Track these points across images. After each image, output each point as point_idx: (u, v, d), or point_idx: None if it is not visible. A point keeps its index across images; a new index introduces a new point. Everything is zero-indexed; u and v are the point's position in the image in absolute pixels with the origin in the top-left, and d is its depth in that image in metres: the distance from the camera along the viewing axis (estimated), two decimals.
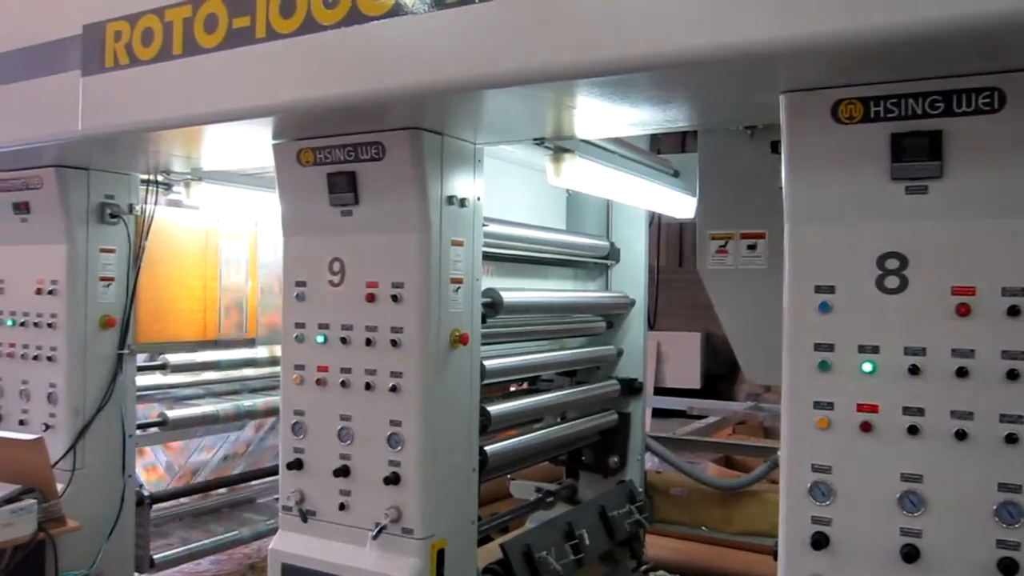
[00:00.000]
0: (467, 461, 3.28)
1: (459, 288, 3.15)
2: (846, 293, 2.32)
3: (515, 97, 2.63)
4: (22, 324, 4.10)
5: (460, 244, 3.16)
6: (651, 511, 4.93)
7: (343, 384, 3.12)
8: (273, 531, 4.95)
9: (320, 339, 3.18)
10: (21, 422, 4.10)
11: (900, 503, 2.23)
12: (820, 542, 2.31)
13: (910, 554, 2.21)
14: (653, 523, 4.96)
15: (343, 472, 3.11)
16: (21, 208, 4.08)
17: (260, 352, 5.04)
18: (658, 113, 2.80)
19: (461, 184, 3.16)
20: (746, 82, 2.42)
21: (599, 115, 2.84)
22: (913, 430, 2.23)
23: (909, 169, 2.23)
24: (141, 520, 4.33)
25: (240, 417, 4.91)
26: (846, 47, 1.98)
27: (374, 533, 3.01)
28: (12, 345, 4.14)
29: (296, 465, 3.23)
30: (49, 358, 4.00)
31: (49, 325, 4.00)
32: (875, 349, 2.28)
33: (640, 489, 4.77)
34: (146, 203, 4.22)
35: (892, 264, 2.27)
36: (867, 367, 2.28)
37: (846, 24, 1.91)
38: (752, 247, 3.32)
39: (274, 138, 3.23)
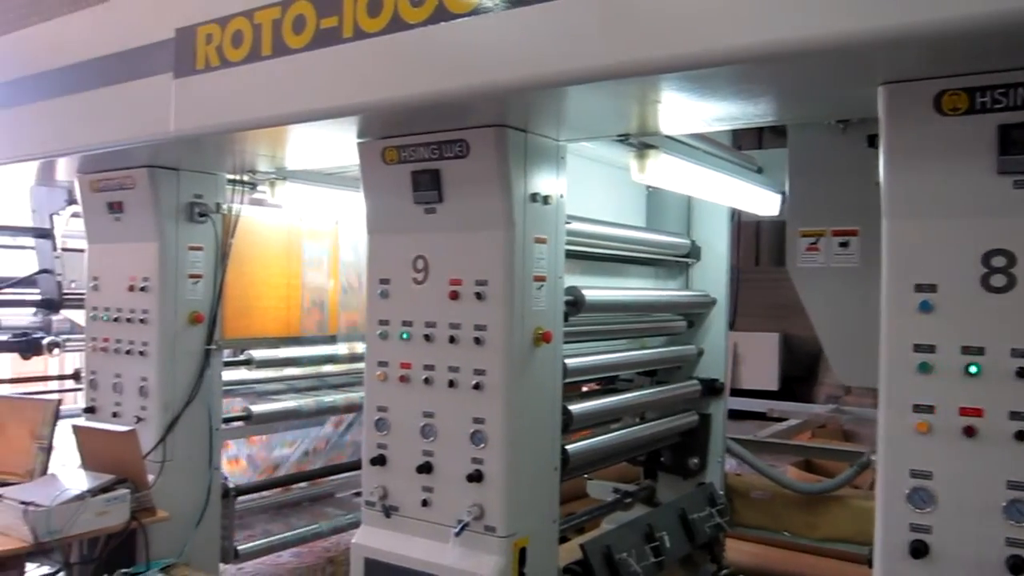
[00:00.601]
0: (549, 460, 3.26)
1: (542, 286, 3.14)
2: (949, 292, 2.24)
3: (599, 93, 2.60)
4: (115, 319, 4.23)
5: (543, 242, 3.14)
6: (731, 515, 4.83)
7: (426, 381, 3.14)
8: (352, 526, 5.07)
9: (404, 336, 3.20)
10: (114, 414, 4.23)
11: (1006, 512, 2.14)
12: (920, 550, 2.23)
13: (1017, 566, 2.12)
14: (733, 527, 4.87)
15: (426, 468, 3.13)
16: (115, 208, 4.21)
17: (340, 349, 5.10)
18: (748, 107, 2.74)
19: (544, 181, 3.15)
20: (841, 75, 2.35)
21: (685, 110, 2.79)
22: (1021, 436, 2.13)
23: (1018, 162, 2.13)
24: (226, 512, 4.43)
25: (321, 413, 4.98)
26: (952, 36, 1.90)
27: (457, 530, 3.01)
28: (106, 340, 4.28)
29: (379, 461, 3.25)
30: (141, 352, 4.12)
31: (141, 321, 4.12)
32: (980, 351, 2.19)
33: (720, 492, 4.68)
34: (232, 202, 4.32)
35: (999, 262, 2.18)
36: (972, 369, 2.19)
37: (952, 11, 1.84)
38: (844, 244, 3.22)
39: (359, 137, 3.26)
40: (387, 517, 3.23)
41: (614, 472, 4.99)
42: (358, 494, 5.49)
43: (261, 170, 4.29)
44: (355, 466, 5.46)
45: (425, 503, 3.14)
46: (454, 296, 3.08)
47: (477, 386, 3.01)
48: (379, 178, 3.26)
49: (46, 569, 4.28)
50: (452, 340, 3.07)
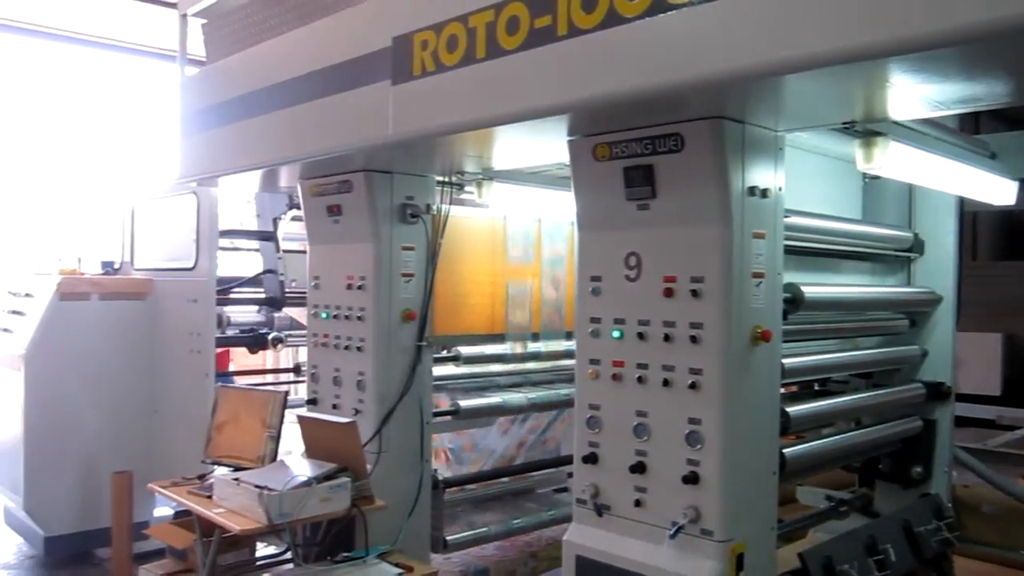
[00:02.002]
0: (767, 463, 3.14)
1: (760, 283, 3.02)
2: None
3: (823, 80, 2.47)
4: (335, 316, 4.48)
5: (762, 236, 3.02)
6: (960, 529, 4.47)
7: (639, 380, 3.10)
8: (554, 521, 5.12)
9: (616, 334, 3.17)
10: (334, 406, 4.48)
11: None
12: None
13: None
14: (962, 543, 4.50)
15: (639, 468, 3.08)
16: (334, 211, 4.45)
17: (543, 346, 5.16)
18: (992, 87, 2.51)
19: (762, 174, 3.03)
20: None
21: (919, 94, 2.59)
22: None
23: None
24: (436, 503, 4.58)
25: (524, 409, 5.06)
26: None
27: (671, 532, 2.95)
28: (326, 336, 4.53)
29: (591, 459, 3.24)
30: (358, 348, 4.34)
31: (358, 318, 4.33)
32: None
33: (948, 504, 4.34)
34: (441, 203, 4.45)
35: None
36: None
37: None
38: None
39: (569, 134, 3.27)
40: (599, 516, 3.22)
41: (826, 478, 4.75)
42: (559, 490, 5.56)
43: (468, 171, 4.39)
44: (556, 462, 5.53)
45: (638, 503, 3.10)
46: (668, 293, 3.01)
47: (693, 385, 2.94)
48: (590, 175, 3.24)
49: (272, 549, 4.60)
50: (667, 338, 3.01)
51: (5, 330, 6.06)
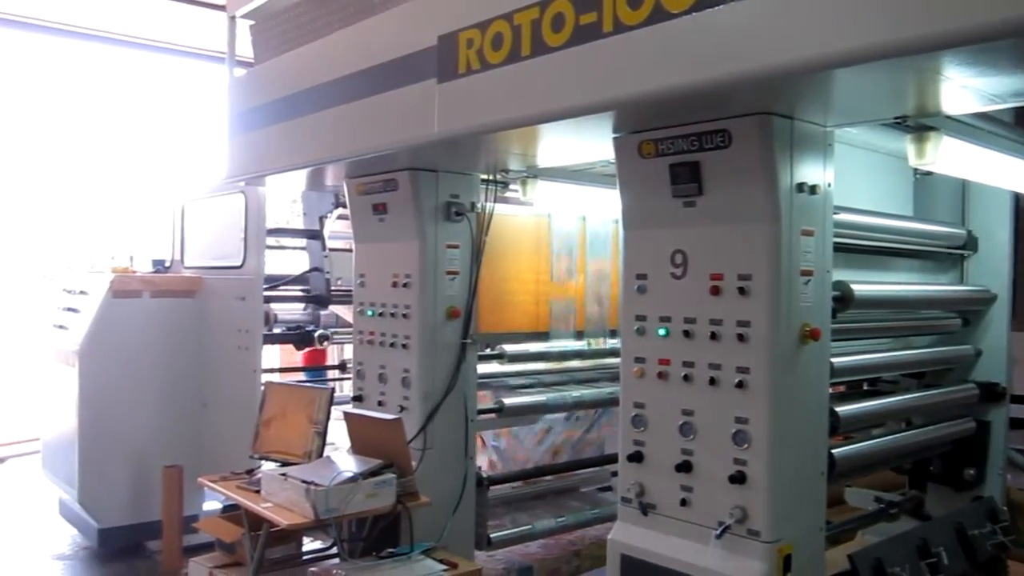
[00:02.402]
0: (815, 464, 3.10)
1: (809, 280, 2.98)
2: None
3: (875, 74, 2.43)
4: (380, 314, 4.51)
5: (810, 234, 2.98)
6: (1015, 533, 4.37)
7: (685, 378, 3.08)
8: (597, 520, 5.11)
9: (662, 332, 3.15)
10: (380, 403, 4.52)
11: None
12: None
13: None
14: (1018, 547, 4.39)
15: (685, 467, 3.07)
16: (379, 209, 4.49)
17: (587, 344, 5.14)
18: None
19: (811, 170, 2.99)
20: None
21: (973, 87, 2.53)
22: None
23: None
24: (480, 500, 4.59)
25: (567, 407, 5.05)
26: None
27: (718, 532, 2.93)
28: (372, 333, 4.57)
29: (636, 458, 3.23)
30: (404, 345, 4.37)
31: (404, 315, 4.36)
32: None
33: (1003, 507, 4.24)
34: (486, 200, 4.46)
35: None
36: None
37: None
38: None
39: (614, 132, 3.25)
40: (644, 514, 3.20)
41: (874, 480, 4.67)
42: (603, 489, 5.54)
43: (512, 168, 4.39)
44: (600, 461, 5.51)
45: (684, 502, 3.08)
46: (715, 291, 2.99)
47: (740, 384, 2.91)
48: (635, 172, 3.23)
49: (317, 544, 4.65)
50: (713, 336, 2.99)
51: (60, 327, 6.21)
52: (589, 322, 5.07)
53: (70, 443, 5.78)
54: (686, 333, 3.07)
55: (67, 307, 6.25)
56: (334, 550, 4.26)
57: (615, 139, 3.27)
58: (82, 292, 6.16)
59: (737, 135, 2.90)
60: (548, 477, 5.41)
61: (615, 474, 5.48)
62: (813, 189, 2.97)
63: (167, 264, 6.50)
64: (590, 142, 3.55)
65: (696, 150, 3.01)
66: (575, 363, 5.17)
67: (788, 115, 2.89)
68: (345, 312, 6.29)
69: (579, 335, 5.07)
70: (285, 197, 6.71)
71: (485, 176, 4.49)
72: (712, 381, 2.99)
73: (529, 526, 4.88)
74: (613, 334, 5.21)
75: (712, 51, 2.49)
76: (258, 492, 4.03)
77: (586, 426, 5.45)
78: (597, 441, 5.63)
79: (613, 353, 5.21)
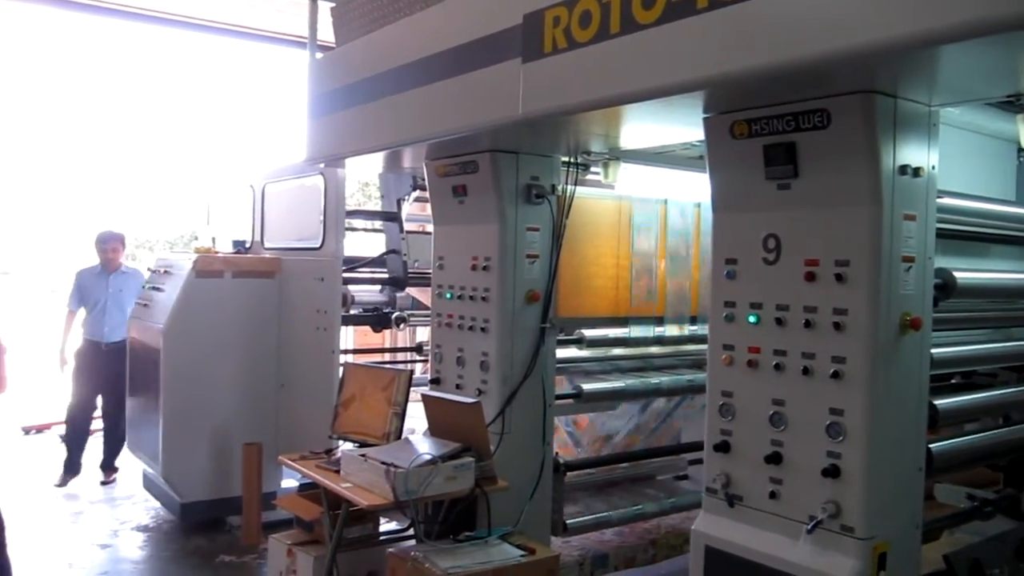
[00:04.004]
0: (913, 459, 2.97)
1: (910, 267, 2.84)
2: None
3: (988, 48, 2.28)
4: (459, 297, 4.50)
5: (912, 219, 2.84)
6: None
7: (777, 367, 2.97)
8: (674, 509, 5.03)
9: (752, 319, 3.05)
10: (457, 386, 4.51)
11: None
12: None
13: None
14: None
15: (774, 459, 2.97)
16: (459, 191, 4.46)
17: (667, 331, 5.05)
18: None
19: (915, 152, 2.84)
20: None
21: None
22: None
23: None
24: (557, 486, 4.55)
25: (646, 394, 4.97)
26: None
27: (809, 527, 2.83)
28: (451, 316, 4.56)
29: (723, 448, 3.14)
30: (483, 329, 4.35)
31: (483, 299, 4.34)
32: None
33: None
34: (566, 183, 4.40)
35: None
36: None
37: None
38: None
39: (705, 112, 3.15)
40: (730, 506, 3.12)
41: (964, 476, 4.48)
42: (679, 477, 5.46)
43: (594, 151, 4.32)
44: (677, 449, 5.42)
45: (773, 495, 2.99)
46: (810, 277, 2.87)
47: (836, 374, 2.80)
48: (727, 154, 3.12)
49: (392, 525, 4.68)
50: (807, 324, 2.88)
51: (145, 305, 6.37)
52: (670, 307, 4.97)
53: (154, 419, 5.93)
54: (778, 320, 2.97)
55: (153, 286, 6.41)
56: (410, 532, 4.27)
57: (705, 119, 3.17)
58: (167, 272, 6.30)
59: (836, 114, 2.77)
60: (625, 464, 5.35)
61: (692, 463, 5.41)
62: (916, 172, 2.83)
63: (247, 245, 6.61)
64: (677, 123, 3.45)
65: (792, 130, 2.89)
66: (654, 349, 5.08)
67: (891, 93, 2.75)
68: (421, 294, 6.30)
69: (659, 321, 4.98)
70: (357, 180, 6.73)
71: (566, 158, 4.43)
72: (805, 371, 2.88)
73: (605, 513, 4.83)
74: (693, 320, 5.10)
75: (812, 27, 2.38)
76: (337, 472, 4.06)
77: (663, 415, 5.37)
78: (675, 429, 5.55)
79: (693, 340, 5.11)
